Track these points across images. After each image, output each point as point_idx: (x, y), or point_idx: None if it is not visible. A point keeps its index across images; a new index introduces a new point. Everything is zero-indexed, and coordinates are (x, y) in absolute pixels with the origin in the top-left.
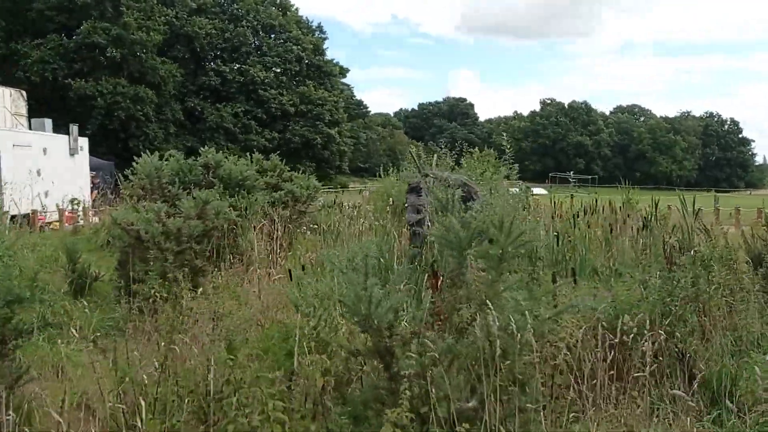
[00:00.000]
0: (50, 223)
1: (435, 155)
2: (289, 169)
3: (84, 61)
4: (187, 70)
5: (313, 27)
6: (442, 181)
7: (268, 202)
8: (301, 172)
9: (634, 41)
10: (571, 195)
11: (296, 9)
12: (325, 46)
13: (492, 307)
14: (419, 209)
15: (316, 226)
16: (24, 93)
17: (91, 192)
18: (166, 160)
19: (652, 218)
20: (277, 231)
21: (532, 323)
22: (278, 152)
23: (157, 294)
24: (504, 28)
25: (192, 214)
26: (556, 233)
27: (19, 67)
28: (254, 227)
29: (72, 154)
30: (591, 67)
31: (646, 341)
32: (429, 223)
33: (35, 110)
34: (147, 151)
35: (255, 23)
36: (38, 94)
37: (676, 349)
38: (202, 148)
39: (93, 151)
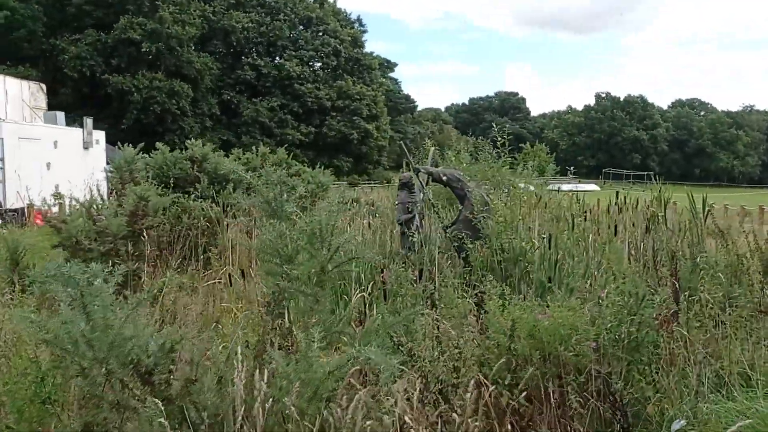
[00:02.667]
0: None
1: (432, 149)
2: (296, 163)
3: (121, 56)
4: (224, 65)
5: (352, 19)
6: (435, 176)
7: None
8: (320, 167)
9: (696, 34)
10: (617, 192)
11: (334, 0)
12: (364, 39)
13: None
14: (409, 207)
15: None
16: (44, 86)
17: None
18: (142, 153)
19: (658, 218)
20: (257, 229)
21: (308, 378)
22: (314, 147)
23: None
24: (560, 22)
25: (127, 211)
26: (544, 236)
27: (57, 62)
28: (227, 225)
29: (86, 148)
30: (649, 61)
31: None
32: (420, 223)
33: (74, 105)
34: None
35: (292, 16)
36: (77, 90)
37: (611, 390)
38: (237, 142)
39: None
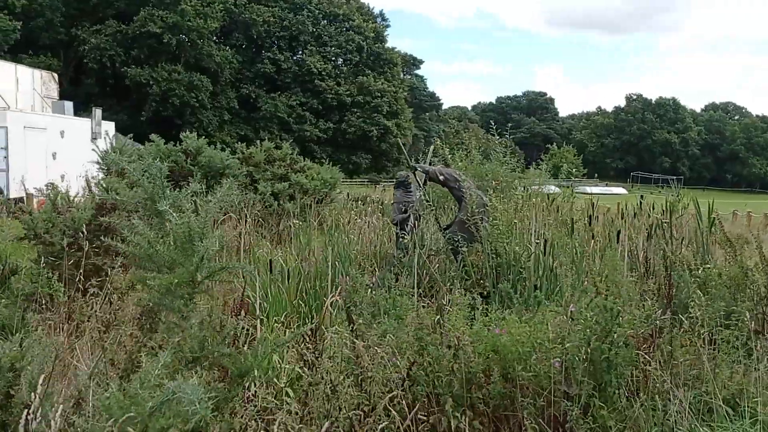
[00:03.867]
0: None
1: (431, 146)
2: (301, 159)
3: (141, 48)
4: (244, 58)
5: (375, 14)
6: (431, 174)
7: (270, 194)
8: (329, 163)
9: (730, 37)
10: (641, 196)
11: None
12: (386, 33)
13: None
14: (404, 207)
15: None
16: (56, 76)
17: None
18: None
19: (662, 225)
20: (245, 227)
21: (137, 413)
22: (333, 143)
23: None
24: (592, 22)
25: (93, 204)
26: (538, 241)
27: (79, 53)
28: (215, 222)
29: (94, 138)
30: (682, 64)
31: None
32: (414, 224)
33: (97, 95)
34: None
35: (316, 12)
36: (101, 80)
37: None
38: (255, 137)
39: (146, 138)
